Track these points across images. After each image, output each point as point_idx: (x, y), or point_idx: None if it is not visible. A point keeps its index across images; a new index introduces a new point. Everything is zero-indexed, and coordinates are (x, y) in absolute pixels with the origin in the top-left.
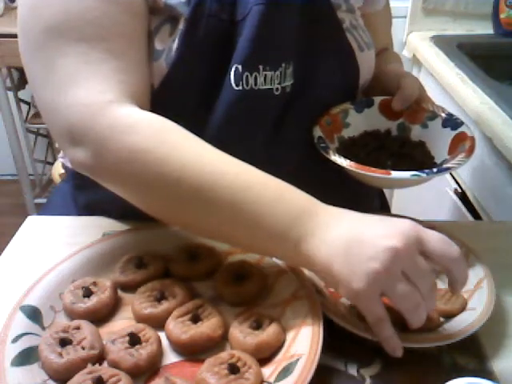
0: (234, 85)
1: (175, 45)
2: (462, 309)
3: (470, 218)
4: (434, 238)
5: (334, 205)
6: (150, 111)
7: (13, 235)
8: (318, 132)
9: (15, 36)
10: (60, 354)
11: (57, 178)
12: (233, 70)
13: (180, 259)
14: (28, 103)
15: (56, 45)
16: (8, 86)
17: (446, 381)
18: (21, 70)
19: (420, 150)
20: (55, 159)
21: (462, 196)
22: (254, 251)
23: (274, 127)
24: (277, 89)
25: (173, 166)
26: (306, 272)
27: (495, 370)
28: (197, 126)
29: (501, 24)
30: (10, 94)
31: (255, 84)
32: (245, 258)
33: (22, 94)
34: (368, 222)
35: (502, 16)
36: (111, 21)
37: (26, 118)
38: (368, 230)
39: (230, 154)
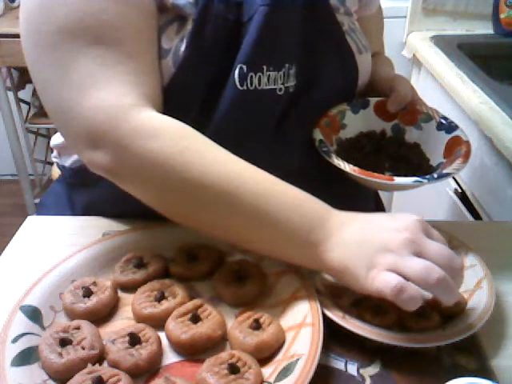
0: (238, 84)
1: (183, 46)
2: (462, 309)
3: (470, 218)
4: (435, 240)
5: (333, 203)
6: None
7: (13, 235)
8: (318, 135)
9: (15, 36)
10: (60, 354)
11: (57, 178)
12: (237, 69)
13: (180, 259)
14: (28, 103)
15: (71, 47)
16: (8, 86)
17: (446, 381)
18: (21, 70)
19: (416, 152)
20: None
21: (462, 196)
22: (272, 256)
23: (276, 127)
24: (280, 89)
25: (195, 173)
26: (306, 272)
27: (495, 370)
28: (199, 125)
29: (501, 24)
30: (10, 94)
31: (259, 84)
32: (245, 258)
33: (21, 94)
34: (377, 220)
35: (502, 16)
36: (125, 22)
37: (26, 117)
38: (377, 226)
39: (233, 153)
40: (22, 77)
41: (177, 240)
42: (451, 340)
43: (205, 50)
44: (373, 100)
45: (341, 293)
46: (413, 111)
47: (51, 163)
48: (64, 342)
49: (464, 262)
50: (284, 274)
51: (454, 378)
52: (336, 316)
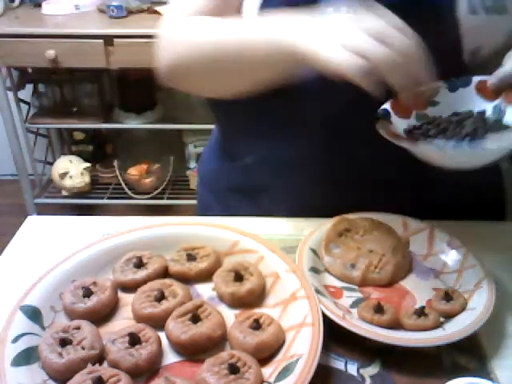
0: None
1: None
2: (462, 309)
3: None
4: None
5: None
6: None
7: (13, 235)
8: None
9: (15, 36)
10: (60, 354)
11: (57, 178)
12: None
13: (180, 259)
14: (28, 103)
15: None
16: (8, 86)
17: (446, 381)
18: (21, 70)
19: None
20: (55, 159)
21: None
22: (260, 72)
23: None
24: None
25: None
26: (306, 272)
27: (495, 370)
28: None
29: None
30: (10, 94)
31: None
32: (244, 259)
33: (22, 94)
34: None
35: None
36: None
37: (26, 117)
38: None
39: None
40: (22, 77)
41: (177, 240)
42: (451, 340)
43: None
44: (476, 78)
45: (341, 293)
46: None
47: (51, 163)
48: (64, 342)
49: (466, 262)
50: (283, 274)
51: (454, 377)
52: (336, 316)
